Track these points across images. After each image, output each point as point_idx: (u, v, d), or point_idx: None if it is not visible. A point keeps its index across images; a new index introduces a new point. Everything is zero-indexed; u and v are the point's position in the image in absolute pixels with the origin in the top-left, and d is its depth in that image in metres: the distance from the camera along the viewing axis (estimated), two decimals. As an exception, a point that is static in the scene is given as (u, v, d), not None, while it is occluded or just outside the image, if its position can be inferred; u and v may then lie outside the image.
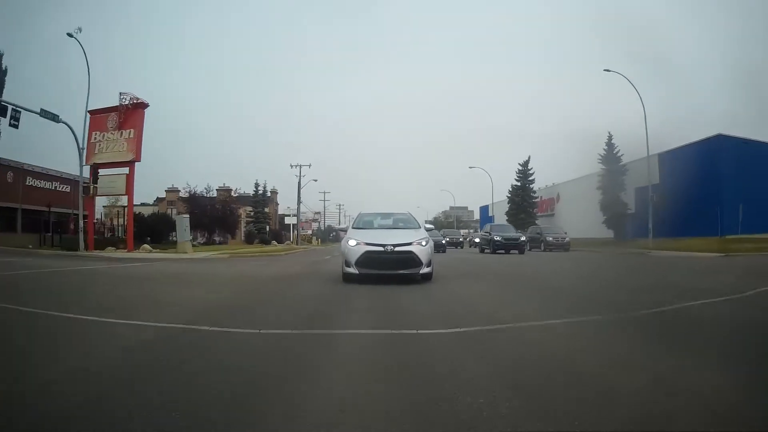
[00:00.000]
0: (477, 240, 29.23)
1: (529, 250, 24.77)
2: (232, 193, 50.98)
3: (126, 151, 22.04)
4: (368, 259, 7.53)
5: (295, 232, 51.00)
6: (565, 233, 27.52)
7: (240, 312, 5.09)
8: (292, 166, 47.05)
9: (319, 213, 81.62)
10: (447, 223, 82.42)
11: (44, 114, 20.82)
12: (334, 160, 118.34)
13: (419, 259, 7.58)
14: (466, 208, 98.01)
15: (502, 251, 22.05)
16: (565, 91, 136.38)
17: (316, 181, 57.36)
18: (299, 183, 47.21)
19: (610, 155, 35.09)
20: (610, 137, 35.25)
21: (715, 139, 28.46)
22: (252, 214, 51.91)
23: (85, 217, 23.54)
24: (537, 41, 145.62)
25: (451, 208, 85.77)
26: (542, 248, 26.40)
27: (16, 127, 20.20)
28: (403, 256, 7.56)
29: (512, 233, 23.77)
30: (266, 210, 54.68)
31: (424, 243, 7.82)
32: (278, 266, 13.63)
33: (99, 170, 22.90)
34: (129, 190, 22.35)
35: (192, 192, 40.23)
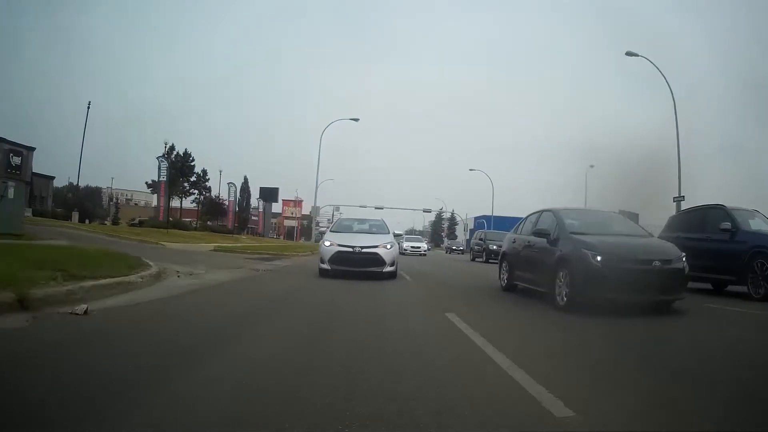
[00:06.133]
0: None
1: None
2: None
3: (298, 213, 76.16)
4: (339, 258, 8.78)
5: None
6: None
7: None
8: (331, 206, 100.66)
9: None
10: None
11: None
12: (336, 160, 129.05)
13: (383, 259, 8.82)
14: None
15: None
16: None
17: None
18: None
19: (453, 216, 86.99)
20: (453, 213, 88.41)
21: (486, 216, 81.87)
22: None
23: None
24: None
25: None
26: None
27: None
28: (369, 257, 8.81)
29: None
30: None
31: (389, 246, 9.09)
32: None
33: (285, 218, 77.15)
34: (299, 223, 76.75)
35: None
